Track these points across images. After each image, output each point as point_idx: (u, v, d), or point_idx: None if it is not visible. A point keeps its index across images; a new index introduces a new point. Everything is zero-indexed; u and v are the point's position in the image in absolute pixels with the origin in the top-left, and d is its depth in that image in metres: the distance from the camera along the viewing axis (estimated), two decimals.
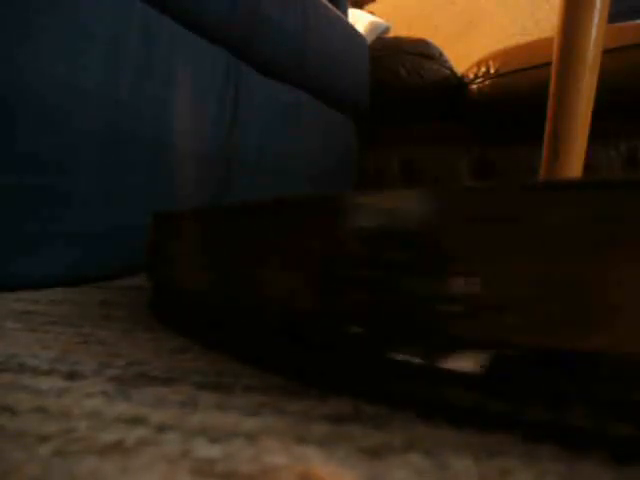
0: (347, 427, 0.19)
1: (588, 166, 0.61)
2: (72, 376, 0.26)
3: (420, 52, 1.46)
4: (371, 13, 1.84)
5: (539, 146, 0.57)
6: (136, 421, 0.20)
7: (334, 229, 0.21)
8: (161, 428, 0.19)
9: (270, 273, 0.24)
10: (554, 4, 1.75)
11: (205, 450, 0.17)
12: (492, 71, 1.37)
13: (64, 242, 0.60)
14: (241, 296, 0.26)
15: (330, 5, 1.20)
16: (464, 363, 0.20)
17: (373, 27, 1.66)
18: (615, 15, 0.82)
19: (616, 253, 0.17)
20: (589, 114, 0.54)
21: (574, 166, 0.54)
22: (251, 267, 0.25)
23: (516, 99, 1.33)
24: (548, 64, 0.59)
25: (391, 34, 1.71)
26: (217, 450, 0.17)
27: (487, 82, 1.37)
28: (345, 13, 1.42)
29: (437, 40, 1.54)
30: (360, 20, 1.64)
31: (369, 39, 1.49)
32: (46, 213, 0.58)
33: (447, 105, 1.44)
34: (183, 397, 0.23)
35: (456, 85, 1.44)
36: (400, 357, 0.21)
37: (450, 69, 1.47)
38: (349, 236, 0.21)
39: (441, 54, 1.48)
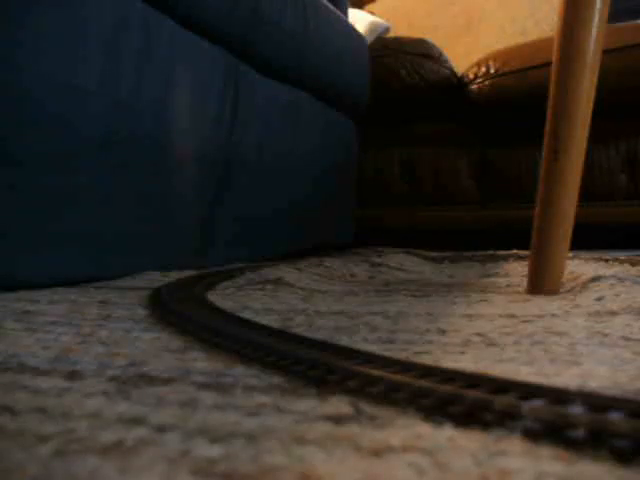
0: (347, 427, 0.19)
1: (588, 166, 0.61)
2: (72, 376, 0.26)
3: (420, 52, 1.46)
4: (371, 13, 1.84)
5: (539, 146, 0.57)
6: (136, 421, 0.20)
7: None
8: (161, 428, 0.19)
9: None
10: (554, 4, 1.75)
11: (205, 450, 0.17)
12: (492, 71, 1.37)
13: (64, 242, 0.60)
14: None
15: (330, 5, 1.19)
16: None
17: (373, 27, 1.66)
18: (615, 15, 0.82)
19: None
20: (589, 114, 0.54)
21: (574, 166, 0.54)
22: None
23: (516, 99, 1.33)
24: (548, 64, 0.59)
25: (391, 34, 1.71)
26: (217, 450, 0.17)
27: (487, 82, 1.37)
28: (345, 13, 1.42)
29: (437, 40, 1.54)
30: (360, 20, 1.64)
31: (369, 39, 1.48)
32: (46, 213, 0.58)
33: (447, 105, 1.44)
34: (183, 397, 0.23)
35: (456, 85, 1.44)
36: None
37: (450, 69, 1.47)
38: None
39: (441, 54, 1.48)
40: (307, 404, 0.22)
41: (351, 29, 1.30)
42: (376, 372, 0.23)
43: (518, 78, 1.34)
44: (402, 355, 0.30)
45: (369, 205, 1.44)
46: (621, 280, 0.56)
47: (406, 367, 0.23)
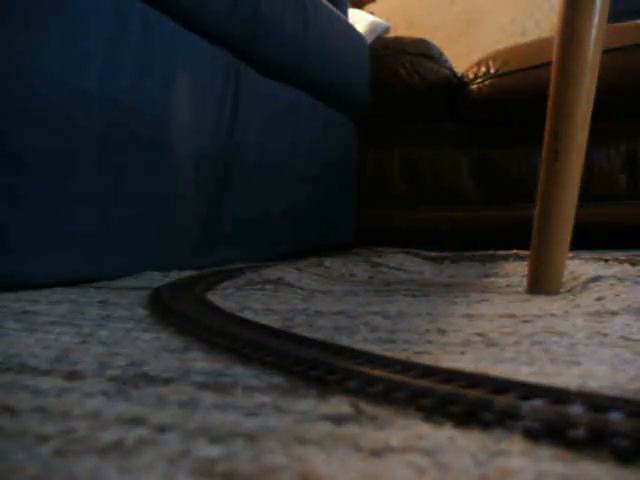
0: (347, 427, 0.19)
1: (588, 166, 0.61)
2: (72, 376, 0.26)
3: (420, 52, 1.46)
4: (371, 13, 1.84)
5: (539, 146, 0.57)
6: (136, 421, 0.20)
7: None
8: (161, 428, 0.19)
9: None
10: (554, 4, 1.75)
11: (205, 450, 0.17)
12: (492, 71, 1.37)
13: (64, 242, 0.60)
14: None
15: (330, 5, 1.19)
16: None
17: (373, 27, 1.65)
18: (615, 15, 0.82)
19: None
20: (589, 114, 0.54)
21: (574, 166, 0.54)
22: None
23: (516, 99, 1.33)
24: (548, 64, 0.59)
25: (391, 34, 1.71)
26: (217, 450, 0.17)
27: (487, 82, 1.37)
28: (345, 13, 1.42)
29: (437, 40, 1.54)
30: (360, 20, 1.63)
31: (369, 39, 1.48)
32: (46, 213, 0.58)
33: (447, 105, 1.44)
34: (183, 397, 0.23)
35: (456, 85, 1.44)
36: None
37: (450, 69, 1.47)
38: None
39: (441, 54, 1.48)
40: (307, 404, 0.22)
41: (351, 29, 1.30)
42: (376, 372, 0.23)
43: (518, 78, 1.34)
44: (402, 355, 0.30)
45: (369, 205, 1.43)
46: (621, 280, 0.56)
47: (406, 367, 0.23)
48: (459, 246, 1.16)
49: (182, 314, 0.40)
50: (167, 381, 0.25)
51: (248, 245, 0.95)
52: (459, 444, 0.18)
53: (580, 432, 0.17)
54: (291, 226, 1.08)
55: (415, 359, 0.29)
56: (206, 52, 0.82)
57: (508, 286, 0.64)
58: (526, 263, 0.59)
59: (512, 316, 0.42)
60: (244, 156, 0.92)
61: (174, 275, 0.70)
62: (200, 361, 0.29)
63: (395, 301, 0.52)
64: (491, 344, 0.33)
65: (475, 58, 1.44)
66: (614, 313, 0.42)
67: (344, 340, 0.34)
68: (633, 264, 0.73)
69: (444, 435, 0.18)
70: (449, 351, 0.31)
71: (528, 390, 0.20)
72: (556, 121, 0.54)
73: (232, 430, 0.19)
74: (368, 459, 0.17)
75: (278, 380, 0.25)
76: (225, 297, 0.54)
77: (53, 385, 0.25)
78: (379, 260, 0.93)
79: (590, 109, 0.54)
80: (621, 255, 0.86)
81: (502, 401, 0.19)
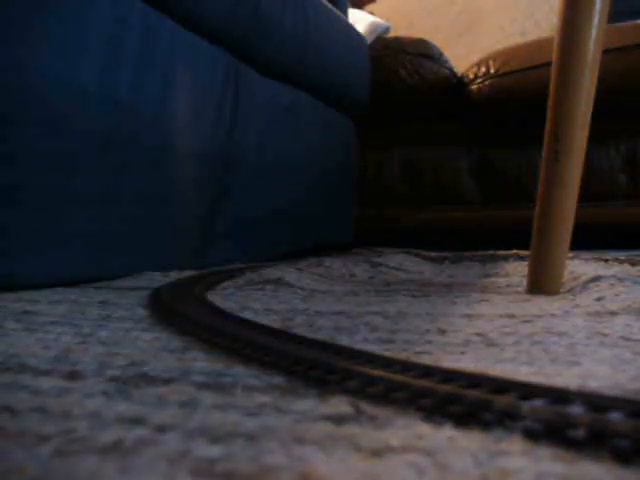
0: (347, 427, 0.19)
1: (588, 166, 0.61)
2: (72, 376, 0.26)
3: (420, 52, 1.46)
4: (371, 13, 1.84)
5: (539, 146, 0.57)
6: (136, 421, 0.20)
7: None
8: (161, 428, 0.19)
9: None
10: (554, 4, 1.76)
11: (205, 450, 0.17)
12: (492, 71, 1.37)
13: (64, 242, 0.60)
14: None
15: (330, 5, 1.19)
16: None
17: (373, 27, 1.65)
18: (615, 15, 0.82)
19: None
20: (589, 114, 0.54)
21: (574, 166, 0.54)
22: None
23: (516, 99, 1.33)
24: (548, 64, 0.59)
25: (391, 34, 1.71)
26: (217, 450, 0.17)
27: (487, 82, 1.37)
28: (345, 13, 1.42)
29: (437, 40, 1.54)
30: (360, 20, 1.63)
31: (369, 39, 1.48)
32: (46, 213, 0.58)
33: (447, 105, 1.44)
34: (183, 397, 0.23)
35: (456, 85, 1.44)
36: None
37: (450, 69, 1.47)
38: None
39: (441, 54, 1.48)
40: (307, 404, 0.22)
41: (351, 29, 1.30)
42: (376, 372, 0.23)
43: (518, 78, 1.34)
44: (402, 355, 0.30)
45: (369, 205, 1.43)
46: (621, 280, 0.56)
47: (406, 367, 0.23)
48: (459, 246, 1.16)
49: (182, 314, 0.40)
50: (167, 381, 0.25)
51: (248, 245, 0.95)
52: (459, 444, 0.18)
53: (580, 432, 0.17)
54: (291, 226, 1.08)
55: (415, 359, 0.29)
56: (206, 52, 0.82)
57: (508, 286, 0.64)
58: (526, 263, 0.59)
59: (512, 316, 0.42)
60: (244, 156, 0.92)
61: (174, 275, 0.70)
62: (200, 361, 0.29)
63: (395, 301, 0.52)
64: (491, 344, 0.33)
65: (475, 58, 1.45)
66: (614, 313, 0.42)
67: (344, 340, 0.34)
68: (633, 264, 0.73)
69: (444, 435, 0.18)
70: (449, 351, 0.31)
71: (528, 390, 0.20)
72: (556, 121, 0.54)
73: (232, 430, 0.19)
74: (368, 459, 0.17)
75: (278, 380, 0.25)
76: (225, 297, 0.54)
77: (53, 385, 0.25)
78: (379, 260, 0.93)
79: (590, 109, 0.54)
80: (621, 255, 0.86)
81: (502, 401, 0.19)
